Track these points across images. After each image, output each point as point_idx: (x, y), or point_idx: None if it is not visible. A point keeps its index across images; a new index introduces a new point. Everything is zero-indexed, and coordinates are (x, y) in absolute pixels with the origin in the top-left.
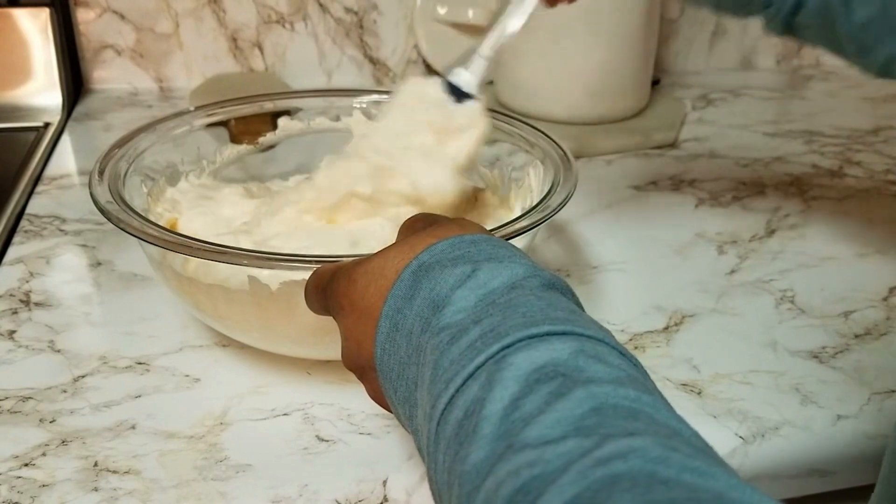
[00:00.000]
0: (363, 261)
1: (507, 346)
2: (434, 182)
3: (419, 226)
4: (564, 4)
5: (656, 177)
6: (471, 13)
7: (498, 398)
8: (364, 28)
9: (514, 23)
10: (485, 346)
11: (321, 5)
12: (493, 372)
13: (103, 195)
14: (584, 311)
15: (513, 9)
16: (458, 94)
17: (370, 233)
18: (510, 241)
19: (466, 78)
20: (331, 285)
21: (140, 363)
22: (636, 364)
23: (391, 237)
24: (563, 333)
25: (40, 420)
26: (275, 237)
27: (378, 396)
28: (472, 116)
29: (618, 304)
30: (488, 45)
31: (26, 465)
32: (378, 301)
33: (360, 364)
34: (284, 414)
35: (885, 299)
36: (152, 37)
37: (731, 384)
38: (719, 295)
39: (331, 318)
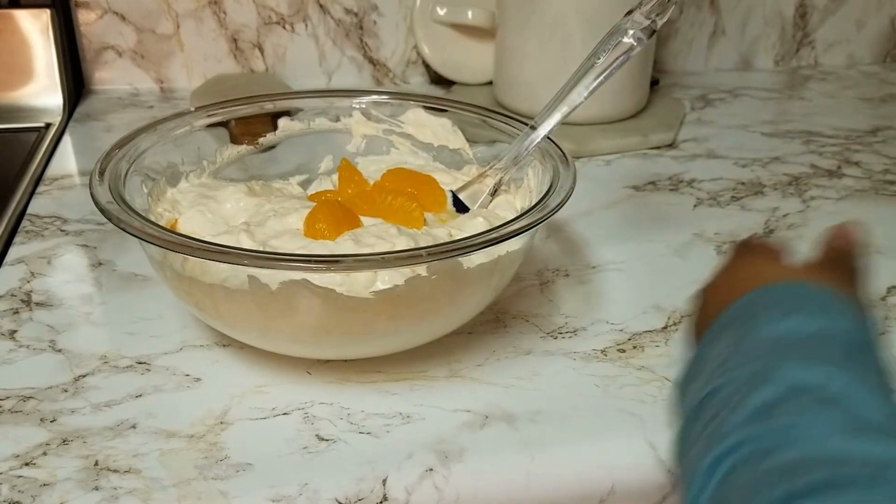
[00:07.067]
0: None
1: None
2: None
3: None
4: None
5: (655, 177)
6: (470, 14)
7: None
8: (364, 29)
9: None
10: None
11: (321, 6)
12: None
13: (104, 195)
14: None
15: (515, 146)
16: (462, 208)
17: (371, 232)
18: (509, 240)
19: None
20: None
21: (141, 363)
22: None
23: (392, 235)
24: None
25: (41, 419)
26: (275, 237)
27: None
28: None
29: (617, 304)
30: (494, 181)
31: (27, 464)
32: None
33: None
34: (284, 413)
35: (883, 299)
36: (153, 38)
37: None
38: None
39: (329, 318)
